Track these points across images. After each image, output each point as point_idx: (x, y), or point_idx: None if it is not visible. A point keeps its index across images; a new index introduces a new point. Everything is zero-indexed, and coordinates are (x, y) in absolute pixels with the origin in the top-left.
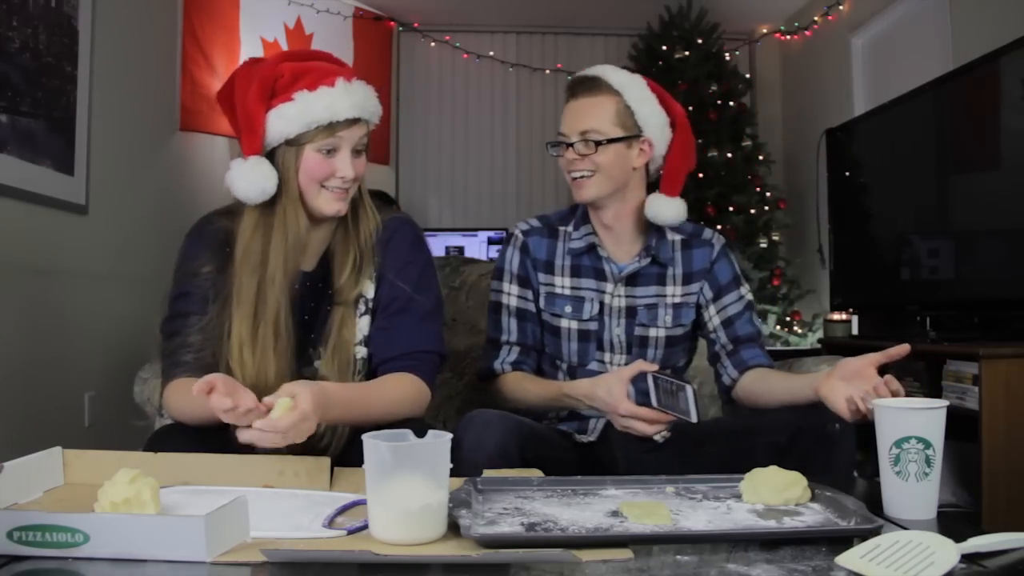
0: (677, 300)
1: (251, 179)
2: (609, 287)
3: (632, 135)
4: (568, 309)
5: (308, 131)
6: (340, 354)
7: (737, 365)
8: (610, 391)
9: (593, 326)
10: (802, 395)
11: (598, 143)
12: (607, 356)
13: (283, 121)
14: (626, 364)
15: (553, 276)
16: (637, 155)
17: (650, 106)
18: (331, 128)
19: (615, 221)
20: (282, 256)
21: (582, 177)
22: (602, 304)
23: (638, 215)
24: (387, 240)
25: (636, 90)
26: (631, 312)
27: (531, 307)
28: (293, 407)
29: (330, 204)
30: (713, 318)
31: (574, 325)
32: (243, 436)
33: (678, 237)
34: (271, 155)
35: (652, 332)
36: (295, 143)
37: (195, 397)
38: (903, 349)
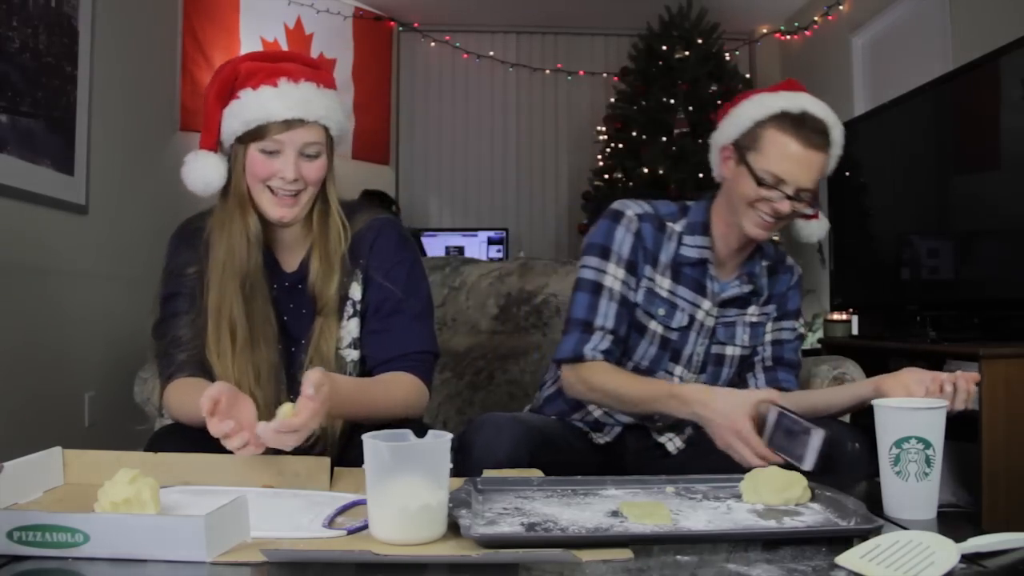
0: (755, 319)
1: (196, 171)
2: (706, 304)
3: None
4: (661, 312)
5: (249, 129)
6: (323, 364)
7: (770, 381)
8: (734, 406)
9: (675, 336)
10: (848, 398)
11: (810, 198)
12: (678, 369)
13: (231, 118)
14: (695, 382)
15: (656, 272)
16: None
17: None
18: (269, 128)
19: (746, 243)
20: (224, 249)
21: (773, 221)
22: (692, 318)
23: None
24: (371, 241)
25: (838, 148)
26: (713, 331)
27: (632, 296)
28: (296, 412)
29: (273, 208)
30: (767, 334)
31: (659, 330)
32: (267, 440)
33: (765, 263)
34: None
35: (729, 350)
36: (242, 141)
37: (195, 399)
38: (975, 376)
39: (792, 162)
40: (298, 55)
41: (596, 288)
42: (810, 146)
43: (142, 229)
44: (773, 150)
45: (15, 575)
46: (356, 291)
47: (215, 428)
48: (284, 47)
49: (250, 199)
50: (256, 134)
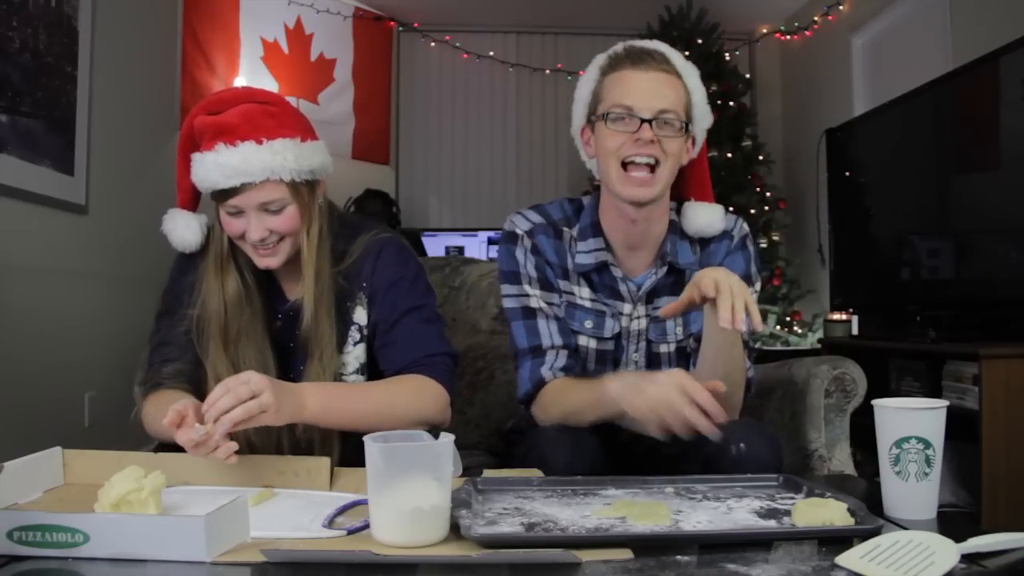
0: None
1: (172, 232)
2: (627, 308)
3: (688, 125)
4: (589, 324)
5: (210, 192)
6: None
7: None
8: (657, 401)
9: (610, 346)
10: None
11: (684, 124)
12: None
13: (194, 178)
14: None
15: (571, 284)
16: (685, 151)
17: (704, 99)
18: (222, 193)
19: (647, 223)
20: (204, 309)
21: (648, 165)
22: (622, 326)
23: (664, 218)
24: (373, 262)
25: (695, 79)
26: (647, 332)
27: (561, 315)
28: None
29: (256, 259)
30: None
31: (593, 344)
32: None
33: (690, 238)
34: None
35: (663, 348)
36: (213, 198)
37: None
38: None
39: (633, 86)
40: (247, 93)
41: (527, 312)
42: (646, 68)
43: (142, 229)
44: (615, 89)
45: (15, 575)
46: (361, 315)
47: (184, 437)
48: (284, 47)
49: (231, 253)
50: (217, 196)
